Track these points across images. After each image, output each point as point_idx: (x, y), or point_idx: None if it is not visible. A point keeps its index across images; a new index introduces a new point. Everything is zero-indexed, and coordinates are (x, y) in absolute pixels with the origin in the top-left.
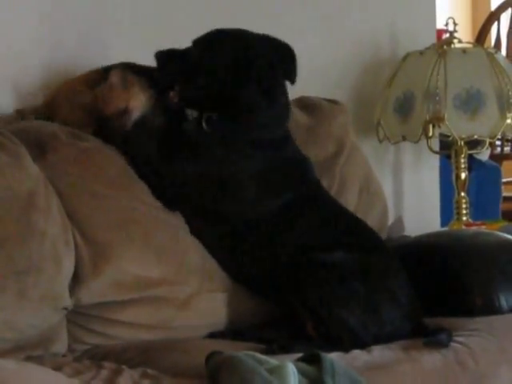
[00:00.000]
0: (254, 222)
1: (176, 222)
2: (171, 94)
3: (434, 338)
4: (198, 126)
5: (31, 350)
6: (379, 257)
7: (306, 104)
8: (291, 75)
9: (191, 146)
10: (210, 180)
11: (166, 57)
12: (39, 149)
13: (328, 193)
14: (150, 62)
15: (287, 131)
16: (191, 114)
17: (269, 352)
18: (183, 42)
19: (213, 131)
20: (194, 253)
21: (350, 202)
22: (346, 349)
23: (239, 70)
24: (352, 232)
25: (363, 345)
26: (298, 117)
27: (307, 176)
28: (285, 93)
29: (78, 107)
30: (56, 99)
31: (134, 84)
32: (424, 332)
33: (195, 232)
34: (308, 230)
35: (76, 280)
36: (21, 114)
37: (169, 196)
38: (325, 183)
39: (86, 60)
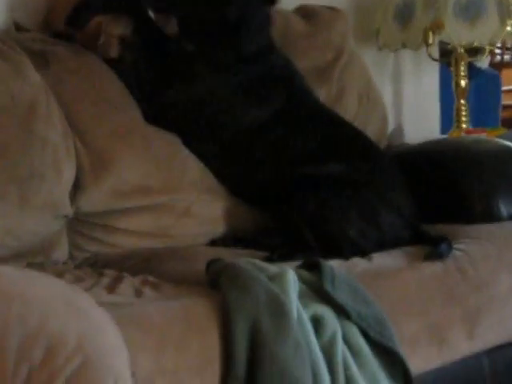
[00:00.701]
0: (245, 134)
1: (175, 137)
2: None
3: (435, 251)
4: (180, 45)
5: (32, 257)
6: (376, 165)
7: (305, 12)
8: None
9: (178, 70)
10: (201, 102)
11: None
12: (42, 58)
13: (322, 103)
14: None
15: (270, 40)
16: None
17: (269, 260)
18: None
19: (196, 50)
20: (193, 165)
21: (350, 108)
22: (346, 257)
23: None
24: (347, 141)
25: (363, 252)
26: (297, 25)
27: (296, 84)
28: (262, 4)
29: None
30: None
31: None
32: (424, 238)
33: (190, 148)
34: (302, 141)
35: (76, 188)
36: (17, 26)
37: (161, 122)
38: (323, 89)
39: None
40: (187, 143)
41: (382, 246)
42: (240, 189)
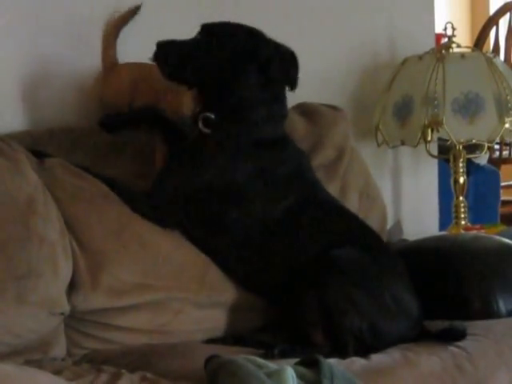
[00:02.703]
0: (258, 228)
1: (173, 232)
2: None
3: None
4: (195, 126)
5: (30, 354)
6: (387, 258)
7: (305, 110)
8: (292, 81)
9: (191, 156)
10: (212, 191)
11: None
12: (36, 154)
13: (334, 197)
14: None
15: (285, 131)
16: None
17: (268, 356)
18: None
19: (212, 133)
20: (193, 262)
21: (351, 207)
22: (349, 355)
23: (240, 62)
24: (360, 237)
25: (368, 351)
26: (297, 123)
27: (307, 176)
28: (283, 93)
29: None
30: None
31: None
32: (428, 336)
33: (196, 242)
34: (315, 238)
35: (72, 287)
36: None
37: (167, 216)
38: (329, 188)
39: None
40: (193, 238)
41: (390, 344)
42: (251, 281)
